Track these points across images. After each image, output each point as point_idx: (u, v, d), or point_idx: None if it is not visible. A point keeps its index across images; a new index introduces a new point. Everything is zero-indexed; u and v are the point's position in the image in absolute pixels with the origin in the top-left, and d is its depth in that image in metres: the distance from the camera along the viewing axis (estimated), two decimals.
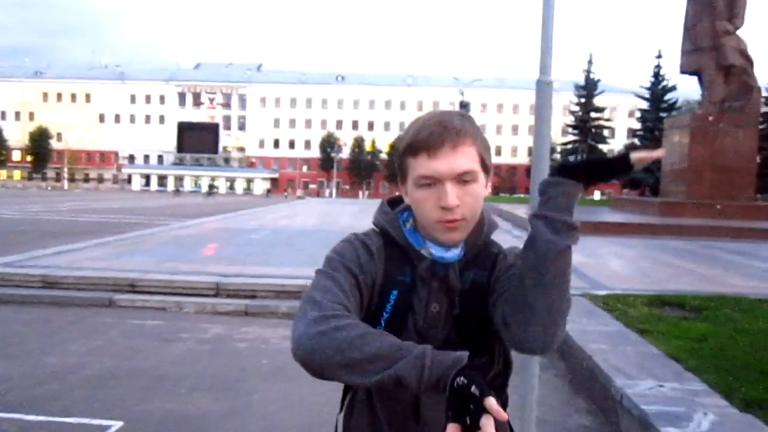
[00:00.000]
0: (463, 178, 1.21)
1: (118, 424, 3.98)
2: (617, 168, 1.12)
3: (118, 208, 33.80)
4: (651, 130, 59.50)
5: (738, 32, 21.63)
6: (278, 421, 4.18)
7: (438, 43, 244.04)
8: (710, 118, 20.94)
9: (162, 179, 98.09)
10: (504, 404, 1.32)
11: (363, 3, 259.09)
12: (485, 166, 1.25)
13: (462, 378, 1.03)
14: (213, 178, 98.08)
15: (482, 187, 1.25)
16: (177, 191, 78.63)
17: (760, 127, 33.01)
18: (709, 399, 3.98)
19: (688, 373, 4.55)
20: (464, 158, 1.21)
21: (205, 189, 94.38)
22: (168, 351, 5.81)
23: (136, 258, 10.28)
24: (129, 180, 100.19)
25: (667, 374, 4.49)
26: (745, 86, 21.14)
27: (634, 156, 1.09)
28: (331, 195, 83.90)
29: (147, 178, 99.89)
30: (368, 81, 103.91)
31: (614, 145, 78.30)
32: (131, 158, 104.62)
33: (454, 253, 1.27)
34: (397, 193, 1.40)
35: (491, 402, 0.98)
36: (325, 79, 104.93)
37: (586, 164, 1.14)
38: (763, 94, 36.00)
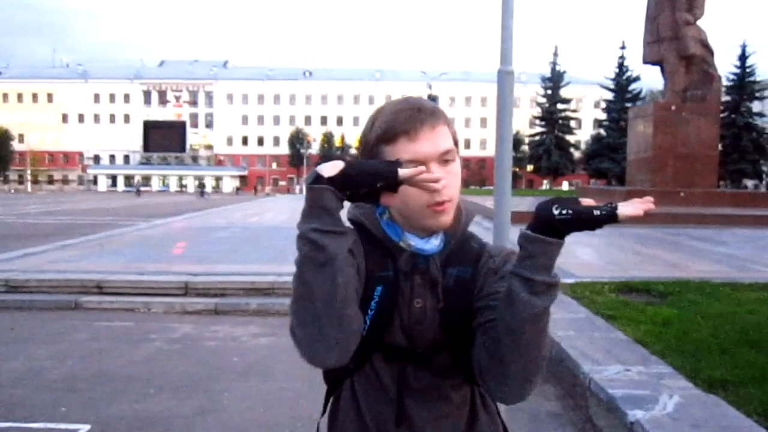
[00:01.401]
0: (444, 158, 1.19)
1: (86, 427, 3.91)
2: (604, 223, 1.03)
3: (84, 209, 33.19)
4: (616, 120, 60.52)
5: (698, 23, 22.04)
6: (250, 419, 4.15)
7: (405, 38, 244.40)
8: (673, 108, 21.33)
9: (129, 179, 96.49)
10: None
11: None
12: (456, 145, 1.24)
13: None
14: (181, 177, 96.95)
15: (459, 166, 1.23)
16: (138, 191, 73.52)
17: (721, 115, 33.74)
18: (674, 381, 4.07)
19: (653, 356, 4.64)
20: (443, 137, 1.19)
21: (174, 188, 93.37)
22: (136, 352, 5.73)
23: (102, 259, 10.11)
24: (95, 181, 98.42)
25: (634, 358, 4.58)
26: (706, 75, 21.55)
27: (623, 213, 1.01)
28: (301, 191, 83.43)
29: (113, 178, 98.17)
30: (336, 76, 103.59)
31: (581, 135, 79.42)
32: (96, 159, 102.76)
33: (433, 245, 1.22)
34: None
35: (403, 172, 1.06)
36: (292, 74, 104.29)
37: (573, 221, 1.02)
38: (724, 83, 36.78)
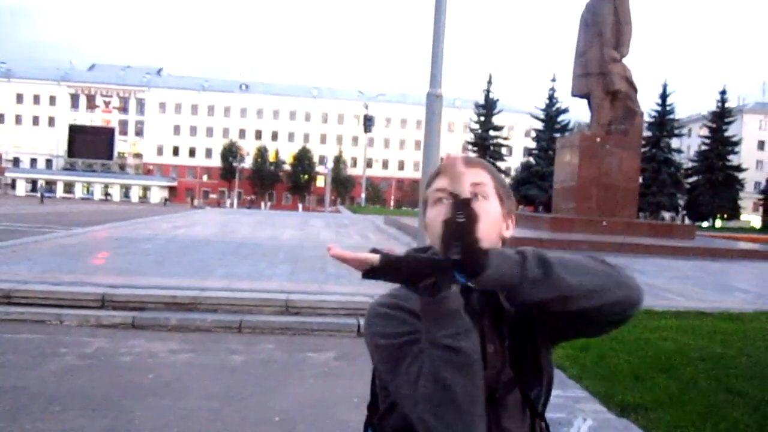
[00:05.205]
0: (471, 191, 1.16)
1: None
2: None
3: None
4: (545, 149, 62.59)
5: (624, 60, 23.07)
6: None
7: (342, 57, 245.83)
8: (598, 140, 22.16)
9: (50, 185, 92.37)
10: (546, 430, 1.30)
11: (267, 12, 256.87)
12: (500, 195, 1.23)
13: None
14: (106, 185, 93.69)
15: (495, 207, 1.20)
16: (42, 197, 66.96)
17: (643, 150, 35.33)
18: (589, 405, 4.16)
19: (570, 380, 4.75)
20: (473, 174, 1.20)
21: (99, 196, 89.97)
22: (43, 367, 5.43)
23: (14, 267, 9.58)
24: (13, 185, 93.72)
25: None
26: (629, 111, 22.53)
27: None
28: (232, 205, 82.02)
29: (33, 183, 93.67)
30: (273, 91, 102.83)
31: (511, 162, 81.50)
32: (16, 161, 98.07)
33: None
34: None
35: None
36: (228, 86, 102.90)
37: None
38: (646, 119, 38.62)
